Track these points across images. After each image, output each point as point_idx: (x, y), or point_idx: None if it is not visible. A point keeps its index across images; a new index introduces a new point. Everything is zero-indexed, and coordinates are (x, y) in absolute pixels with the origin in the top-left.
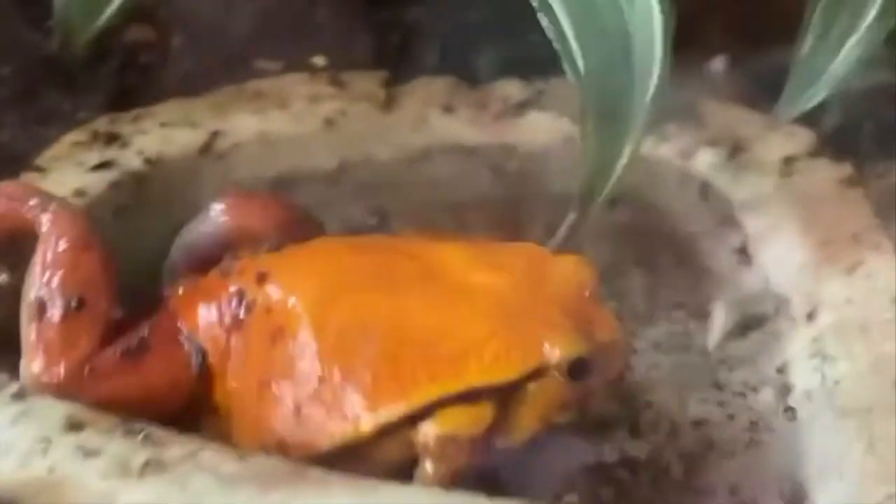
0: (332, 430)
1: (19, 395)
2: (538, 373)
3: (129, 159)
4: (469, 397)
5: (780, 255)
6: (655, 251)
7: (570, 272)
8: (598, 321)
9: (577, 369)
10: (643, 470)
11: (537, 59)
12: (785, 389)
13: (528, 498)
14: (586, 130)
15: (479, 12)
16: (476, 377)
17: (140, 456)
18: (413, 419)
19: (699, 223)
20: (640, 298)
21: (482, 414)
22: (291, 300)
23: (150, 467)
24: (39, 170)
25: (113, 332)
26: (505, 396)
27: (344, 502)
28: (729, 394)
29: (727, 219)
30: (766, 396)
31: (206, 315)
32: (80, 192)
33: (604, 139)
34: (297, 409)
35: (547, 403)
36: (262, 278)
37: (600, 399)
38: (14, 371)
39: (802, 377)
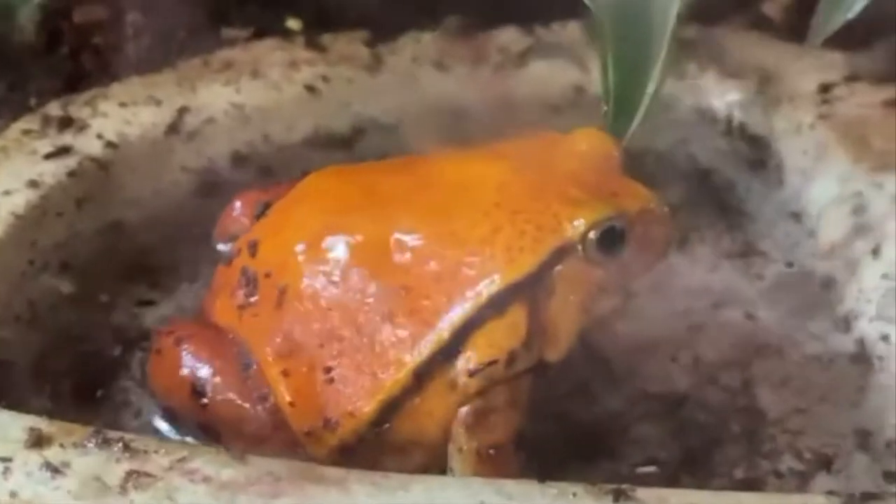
0: (370, 385)
1: None
2: (564, 252)
3: (88, 144)
4: (494, 308)
5: (826, 188)
6: (687, 200)
7: (586, 146)
8: (626, 190)
9: (608, 239)
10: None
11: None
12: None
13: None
14: (605, 63)
15: None
16: (492, 280)
17: (119, 469)
18: (449, 354)
19: (731, 164)
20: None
21: (514, 322)
22: (283, 255)
23: (133, 481)
24: None
25: None
26: (534, 295)
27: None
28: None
29: (763, 156)
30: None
31: (227, 309)
32: (34, 184)
33: (625, 70)
34: (329, 374)
35: (583, 288)
36: (253, 247)
37: (644, 274)
38: None
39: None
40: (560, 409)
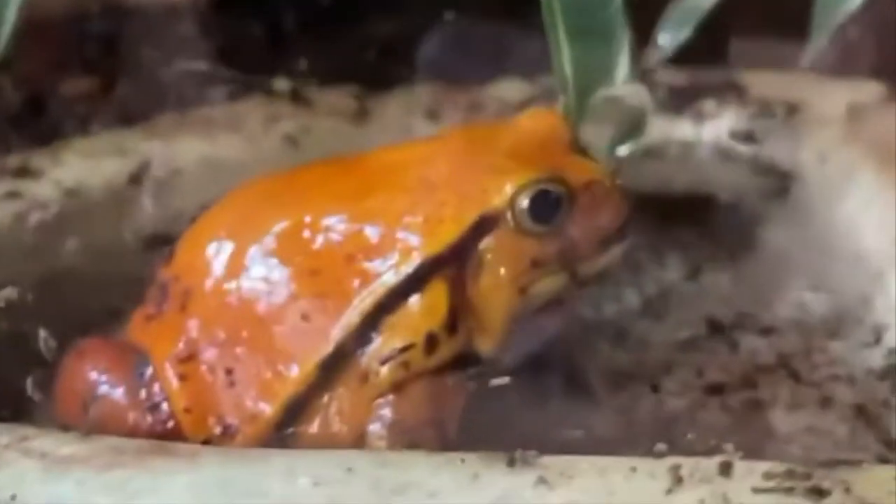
0: (271, 384)
1: None
2: (490, 222)
3: (42, 190)
4: (411, 286)
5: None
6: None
7: (532, 125)
8: (573, 165)
9: (541, 205)
10: None
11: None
12: None
13: None
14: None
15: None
16: (408, 255)
17: None
18: (361, 342)
19: (761, 201)
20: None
21: (433, 301)
22: (193, 257)
23: None
24: None
25: None
26: (459, 271)
27: (211, 474)
28: None
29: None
30: None
31: (138, 322)
32: None
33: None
34: (230, 377)
35: (515, 263)
36: (169, 256)
37: (592, 256)
38: None
39: None
40: (525, 422)
